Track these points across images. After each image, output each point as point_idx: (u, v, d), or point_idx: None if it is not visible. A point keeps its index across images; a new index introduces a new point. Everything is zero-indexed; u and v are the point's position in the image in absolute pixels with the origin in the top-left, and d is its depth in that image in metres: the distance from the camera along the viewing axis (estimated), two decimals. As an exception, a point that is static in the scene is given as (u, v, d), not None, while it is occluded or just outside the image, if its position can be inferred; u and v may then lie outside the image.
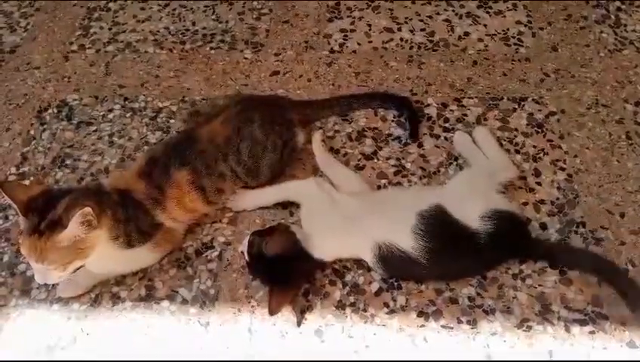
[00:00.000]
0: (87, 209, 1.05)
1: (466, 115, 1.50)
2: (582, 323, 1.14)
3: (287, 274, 1.15)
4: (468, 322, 1.16)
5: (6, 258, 1.33)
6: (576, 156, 1.41)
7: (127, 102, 1.61)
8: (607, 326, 1.14)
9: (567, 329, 1.14)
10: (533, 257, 1.22)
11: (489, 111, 1.51)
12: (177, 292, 1.24)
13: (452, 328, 1.15)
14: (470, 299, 1.19)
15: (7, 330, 1.22)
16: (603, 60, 1.62)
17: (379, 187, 1.38)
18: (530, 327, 1.14)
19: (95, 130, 1.55)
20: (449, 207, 1.18)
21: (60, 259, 1.08)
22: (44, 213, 1.08)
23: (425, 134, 1.47)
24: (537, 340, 1.13)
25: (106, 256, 1.18)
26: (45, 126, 1.57)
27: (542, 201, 1.33)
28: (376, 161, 1.43)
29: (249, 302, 1.21)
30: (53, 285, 1.27)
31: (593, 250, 1.24)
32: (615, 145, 1.43)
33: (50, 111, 1.61)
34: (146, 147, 1.49)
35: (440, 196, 1.21)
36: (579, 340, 1.12)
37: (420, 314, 1.17)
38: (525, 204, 1.32)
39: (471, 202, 1.19)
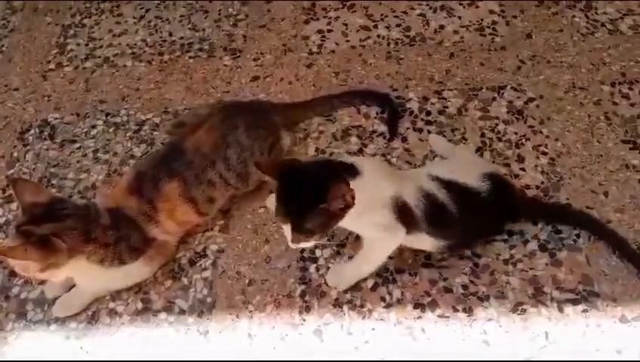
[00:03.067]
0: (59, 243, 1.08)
1: (446, 107, 1.52)
2: (574, 302, 1.17)
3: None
4: (463, 310, 1.18)
5: (-1, 282, 1.32)
6: (557, 140, 1.43)
7: (109, 117, 1.60)
8: (599, 303, 1.16)
9: (561, 310, 1.16)
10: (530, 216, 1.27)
11: (469, 102, 1.53)
12: (174, 303, 1.25)
13: (448, 317, 1.17)
14: (464, 287, 1.21)
15: (6, 354, 1.21)
16: (577, 44, 1.64)
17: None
18: (524, 310, 1.16)
19: (79, 148, 1.55)
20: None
21: (27, 266, 1.09)
22: (38, 221, 1.09)
23: (408, 128, 1.48)
24: (532, 322, 1.15)
25: (97, 275, 1.19)
26: (29, 147, 1.57)
27: (527, 186, 1.35)
28: (362, 157, 1.44)
29: (247, 308, 1.22)
30: (48, 306, 1.27)
31: (580, 231, 1.26)
32: (594, 126, 1.46)
33: (32, 131, 1.60)
34: (131, 161, 1.49)
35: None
36: (573, 319, 1.15)
37: (416, 305, 1.19)
38: (511, 190, 1.35)
39: (470, 166, 1.23)
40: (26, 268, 1.09)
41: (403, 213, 1.08)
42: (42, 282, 1.28)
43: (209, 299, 1.24)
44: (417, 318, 1.17)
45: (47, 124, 1.61)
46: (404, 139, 1.46)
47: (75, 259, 1.12)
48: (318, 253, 1.29)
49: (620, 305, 1.16)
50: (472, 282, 1.21)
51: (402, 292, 1.21)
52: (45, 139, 1.58)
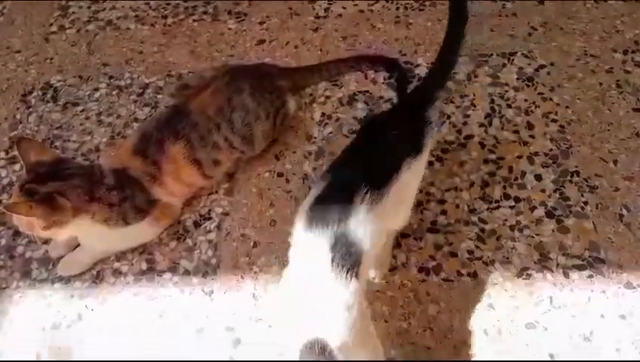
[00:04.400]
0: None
1: (456, 72, 1.49)
2: (580, 268, 1.16)
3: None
4: (468, 274, 1.17)
5: (3, 241, 1.32)
6: (567, 107, 1.41)
7: (112, 80, 1.59)
8: (604, 269, 1.15)
9: (566, 275, 1.15)
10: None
11: (479, 68, 1.50)
12: (179, 263, 1.25)
13: (452, 281, 1.17)
14: (469, 252, 1.20)
15: (11, 311, 1.22)
16: (590, 11, 1.61)
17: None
18: (529, 275, 1.16)
19: (82, 110, 1.53)
20: None
21: (31, 223, 1.09)
22: (43, 180, 1.09)
23: (416, 94, 1.46)
24: (537, 287, 1.14)
25: (102, 235, 1.18)
26: (31, 109, 1.55)
27: (536, 153, 1.33)
28: (368, 123, 1.42)
29: (251, 269, 1.22)
30: (52, 265, 1.27)
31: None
32: (605, 94, 1.43)
33: (34, 93, 1.59)
34: (135, 124, 1.48)
35: None
36: (578, 285, 1.14)
37: (421, 269, 1.19)
38: (519, 157, 1.33)
39: None
40: (30, 226, 1.09)
41: None
42: (46, 241, 1.28)
43: (213, 261, 1.24)
44: (422, 281, 1.17)
45: (49, 86, 1.60)
46: (412, 105, 1.44)
47: (80, 218, 1.12)
48: (323, 216, 1.28)
49: (625, 272, 1.15)
50: (477, 247, 1.21)
51: (407, 256, 1.21)
52: (48, 101, 1.56)
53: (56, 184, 1.10)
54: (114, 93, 1.55)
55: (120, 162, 1.22)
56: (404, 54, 1.55)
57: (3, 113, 1.55)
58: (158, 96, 1.53)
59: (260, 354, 1.11)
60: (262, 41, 1.62)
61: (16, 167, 1.44)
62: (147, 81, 1.56)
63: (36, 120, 1.52)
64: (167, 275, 1.23)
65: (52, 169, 1.12)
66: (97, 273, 1.25)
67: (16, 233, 1.32)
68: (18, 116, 1.54)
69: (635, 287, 1.13)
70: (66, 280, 1.25)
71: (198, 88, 1.33)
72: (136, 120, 1.49)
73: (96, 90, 1.57)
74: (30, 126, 1.51)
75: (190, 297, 1.20)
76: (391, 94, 1.47)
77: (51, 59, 1.66)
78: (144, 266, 1.25)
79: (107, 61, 1.63)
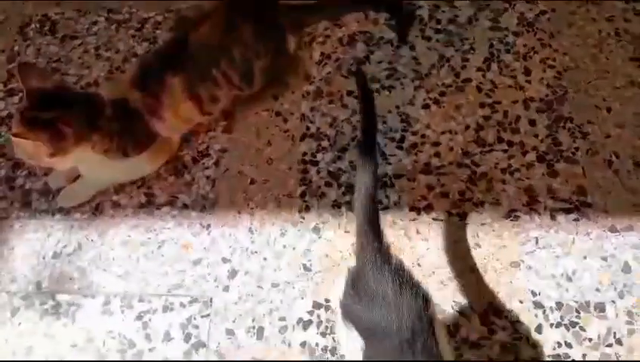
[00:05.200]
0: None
1: (457, 15, 1.49)
2: (567, 211, 1.20)
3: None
4: (457, 214, 1.21)
5: (3, 173, 1.34)
6: (565, 54, 1.41)
7: (110, 15, 1.57)
8: (590, 213, 1.19)
9: (553, 218, 1.19)
10: None
11: (480, 12, 1.49)
12: (177, 197, 1.28)
13: (442, 220, 1.20)
14: (460, 193, 1.23)
15: (12, 240, 1.25)
16: (595, -43, 1.58)
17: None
18: (517, 217, 1.20)
19: (80, 44, 1.52)
20: None
21: (37, 150, 1.09)
22: (43, 107, 1.09)
23: (417, 36, 1.46)
24: (524, 229, 1.18)
25: (102, 166, 1.20)
26: (29, 41, 1.54)
27: (531, 99, 1.35)
28: (368, 65, 1.43)
29: (248, 205, 1.25)
30: (52, 196, 1.29)
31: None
32: (604, 42, 1.43)
33: (32, 26, 1.57)
34: (134, 59, 1.47)
35: None
36: (564, 227, 1.18)
37: (412, 208, 1.22)
38: (515, 102, 1.34)
39: None
40: (36, 154, 1.09)
41: None
42: (46, 173, 1.30)
43: (211, 196, 1.27)
44: (413, 220, 1.21)
45: (47, 19, 1.58)
46: (412, 47, 1.44)
47: (82, 147, 1.13)
48: (319, 156, 1.31)
49: (610, 216, 1.19)
50: (468, 189, 1.24)
51: (399, 196, 1.24)
52: (46, 34, 1.55)
53: (57, 111, 1.10)
54: (112, 27, 1.54)
55: (120, 92, 1.22)
56: (406, -5, 1.53)
57: (0, 45, 1.54)
58: (157, 31, 1.52)
59: (254, 286, 1.15)
60: (262, -22, 1.59)
61: (15, 99, 1.44)
62: (146, 16, 1.55)
63: (34, 52, 1.51)
64: (166, 209, 1.26)
65: (52, 96, 1.12)
66: (97, 205, 1.28)
67: (16, 165, 1.34)
68: (16, 48, 1.53)
69: (618, 231, 1.17)
70: (66, 211, 1.28)
71: (198, 22, 1.32)
72: (135, 55, 1.48)
73: (95, 23, 1.55)
74: (28, 58, 1.50)
75: (188, 230, 1.23)
76: (391, 35, 1.46)
77: (48, -9, 1.63)
78: (143, 199, 1.28)
79: (105, -6, 1.60)
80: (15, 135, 1.05)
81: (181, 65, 1.23)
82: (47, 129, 1.07)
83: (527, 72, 1.39)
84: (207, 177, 1.30)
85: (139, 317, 1.13)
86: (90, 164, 1.20)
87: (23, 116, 1.08)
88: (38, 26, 1.57)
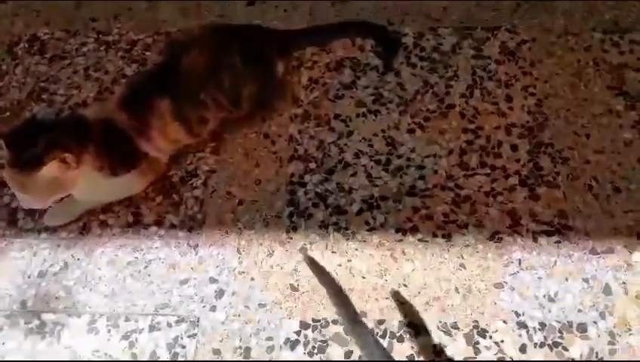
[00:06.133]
0: (68, 156, 1.08)
1: (441, 44, 1.53)
2: (549, 234, 1.23)
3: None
4: (443, 236, 1.23)
5: (-11, 191, 1.33)
6: (546, 82, 1.46)
7: (100, 36, 1.59)
8: (571, 236, 1.22)
9: (535, 240, 1.22)
10: None
11: (463, 40, 1.54)
12: (165, 217, 1.28)
13: (428, 241, 1.22)
14: (444, 215, 1.26)
15: (-4, 259, 1.24)
16: (573, -10, 1.65)
17: (357, 115, 1.42)
18: (500, 239, 1.22)
19: (69, 64, 1.53)
20: None
21: (42, 191, 1.10)
22: (26, 146, 1.08)
23: (402, 63, 1.50)
24: (507, 250, 1.21)
25: (92, 185, 1.20)
26: (17, 60, 1.55)
27: (513, 125, 1.39)
28: (354, 90, 1.46)
29: (236, 225, 1.26)
30: (39, 215, 1.29)
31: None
32: (583, 71, 1.48)
33: (21, 45, 1.58)
34: (122, 80, 1.49)
35: None
36: (546, 249, 1.21)
37: (398, 230, 1.24)
38: (497, 127, 1.38)
39: None
40: (62, 185, 1.10)
41: None
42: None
43: (199, 216, 1.28)
44: (398, 241, 1.23)
45: (36, 38, 1.59)
46: (398, 74, 1.48)
47: (84, 167, 1.13)
48: (307, 178, 1.33)
49: (591, 239, 1.22)
50: (452, 211, 1.26)
51: (385, 218, 1.26)
52: (35, 54, 1.56)
53: (47, 136, 1.10)
54: (102, 48, 1.56)
55: (107, 113, 1.23)
56: (392, 23, 1.58)
57: (-12, 63, 1.54)
58: (147, 53, 1.54)
59: (241, 306, 1.15)
60: (252, 3, 1.63)
61: (2, 117, 1.44)
62: (135, 38, 1.57)
63: (22, 72, 1.52)
64: (153, 228, 1.27)
65: (31, 129, 1.12)
66: (84, 224, 1.28)
67: (2, 183, 1.33)
68: (4, 67, 1.53)
69: (599, 253, 1.20)
70: (53, 230, 1.27)
71: (188, 46, 1.34)
72: (124, 76, 1.50)
73: (84, 44, 1.57)
74: (17, 78, 1.51)
75: (175, 249, 1.24)
76: (377, 62, 1.50)
77: (38, 11, 1.65)
78: (130, 219, 1.28)
79: (95, 16, 1.62)
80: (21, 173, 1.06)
81: (170, 88, 1.25)
82: (46, 160, 1.06)
83: (509, 98, 1.43)
84: (196, 198, 1.31)
85: (125, 337, 1.13)
86: (80, 184, 1.20)
87: (17, 164, 1.07)
88: (27, 45, 1.58)
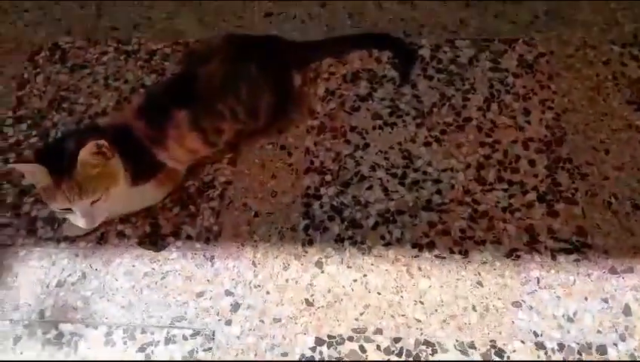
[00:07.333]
0: (101, 141, 1.08)
1: (458, 56, 1.53)
2: (567, 251, 1.21)
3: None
4: (460, 252, 1.22)
5: (9, 199, 1.35)
6: (564, 96, 1.45)
7: (120, 45, 1.60)
8: (590, 254, 1.21)
9: (554, 258, 1.21)
10: None
11: (480, 53, 1.53)
12: (181, 229, 1.29)
13: (444, 258, 1.22)
14: (462, 231, 1.25)
15: (16, 268, 1.26)
16: (591, 3, 1.64)
17: (373, 128, 1.42)
18: (518, 256, 1.21)
19: (90, 73, 1.55)
20: None
21: (97, 185, 1.10)
22: (59, 161, 1.09)
23: (419, 75, 1.49)
24: (525, 268, 1.20)
25: (114, 194, 1.21)
26: (39, 69, 1.57)
27: (531, 139, 1.38)
28: (371, 102, 1.46)
29: (252, 237, 1.26)
30: (58, 224, 1.30)
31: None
32: (601, 85, 1.47)
33: (42, 54, 1.60)
34: (142, 90, 1.50)
35: None
36: (564, 268, 1.20)
37: (415, 245, 1.24)
38: (515, 142, 1.37)
39: None
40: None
41: None
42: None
43: (215, 228, 1.28)
44: (414, 257, 1.22)
45: (57, 47, 1.61)
46: (414, 86, 1.48)
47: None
48: (322, 190, 1.33)
49: (610, 258, 1.21)
50: (469, 227, 1.26)
51: (402, 232, 1.26)
52: (56, 62, 1.58)
53: (72, 140, 1.11)
54: (121, 57, 1.57)
55: (126, 121, 1.24)
56: (409, 35, 1.57)
57: (11, 71, 1.56)
58: (165, 63, 1.55)
59: (257, 320, 1.16)
60: (269, 14, 1.64)
61: (23, 126, 1.46)
62: (155, 48, 1.58)
63: (44, 80, 1.54)
64: (170, 239, 1.27)
65: (54, 146, 1.15)
66: (102, 234, 1.29)
67: (22, 191, 1.35)
68: (26, 75, 1.55)
69: (618, 273, 1.19)
70: (71, 239, 1.29)
71: (206, 57, 1.35)
72: (143, 85, 1.51)
73: (104, 53, 1.58)
74: (38, 86, 1.53)
75: (192, 261, 1.24)
76: (393, 73, 1.50)
77: (60, 20, 1.67)
78: (148, 229, 1.29)
79: (115, 25, 1.64)
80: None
81: (188, 98, 1.26)
82: (80, 151, 1.07)
83: (527, 112, 1.42)
84: (212, 209, 1.31)
85: (141, 349, 1.13)
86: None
87: (57, 174, 1.07)
88: (48, 54, 1.60)
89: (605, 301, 1.15)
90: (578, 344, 1.10)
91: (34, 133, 1.45)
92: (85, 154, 1.07)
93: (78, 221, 1.12)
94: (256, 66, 1.32)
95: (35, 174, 1.09)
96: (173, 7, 1.67)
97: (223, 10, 1.65)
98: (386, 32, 1.57)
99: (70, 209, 1.10)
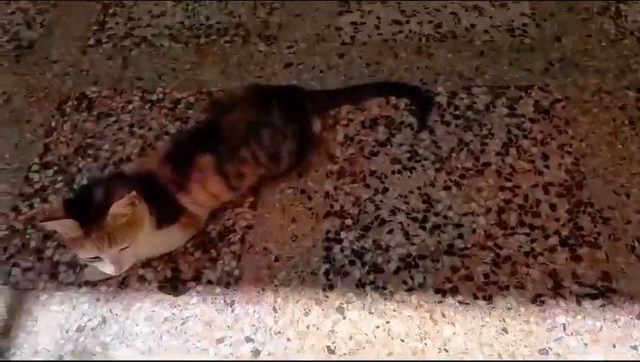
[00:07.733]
0: (133, 192, 1.09)
1: (475, 102, 1.55)
2: (593, 297, 1.19)
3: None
4: (483, 298, 1.21)
5: (33, 243, 1.37)
6: (582, 140, 1.46)
7: (145, 94, 1.65)
8: (616, 299, 1.19)
9: (579, 303, 1.19)
10: None
11: (497, 99, 1.56)
12: (202, 273, 1.29)
13: (468, 304, 1.20)
14: (485, 276, 1.24)
15: (36, 312, 1.26)
16: (605, 50, 1.67)
17: (392, 172, 1.43)
18: (543, 302, 1.19)
19: (115, 121, 1.60)
20: None
21: (126, 233, 1.10)
22: (87, 211, 1.10)
23: (436, 121, 1.52)
24: (550, 314, 1.18)
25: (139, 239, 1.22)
26: (66, 117, 1.62)
27: (550, 183, 1.38)
28: (389, 147, 1.48)
29: (272, 282, 1.26)
30: (80, 268, 1.31)
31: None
32: (619, 129, 1.48)
33: (70, 103, 1.65)
34: (166, 137, 1.54)
35: None
36: (590, 313, 1.17)
37: (437, 290, 1.22)
38: (535, 186, 1.38)
39: None
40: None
41: None
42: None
43: (236, 272, 1.28)
44: (438, 303, 1.21)
45: (84, 97, 1.66)
46: (432, 132, 1.50)
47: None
48: (343, 234, 1.33)
49: (637, 303, 1.18)
50: (492, 272, 1.24)
51: (424, 277, 1.25)
52: (82, 111, 1.63)
53: (99, 188, 1.13)
54: (146, 106, 1.62)
55: (150, 169, 1.26)
56: (425, 83, 1.61)
57: (39, 120, 1.62)
58: (189, 111, 1.59)
59: (277, 365, 1.14)
60: (289, 64, 1.69)
61: (49, 172, 1.49)
62: (179, 97, 1.63)
63: (70, 128, 1.59)
64: (191, 284, 1.27)
65: (80, 196, 1.17)
66: (123, 279, 1.30)
67: (46, 236, 1.37)
68: (53, 124, 1.60)
69: (645, 318, 1.16)
70: (92, 284, 1.29)
71: (229, 105, 1.39)
72: (167, 133, 1.55)
73: (130, 102, 1.63)
74: (64, 134, 1.57)
75: (212, 306, 1.24)
76: (411, 120, 1.53)
77: (87, 71, 1.73)
78: (169, 274, 1.29)
79: (141, 75, 1.70)
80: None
81: (212, 144, 1.29)
82: (111, 203, 1.08)
83: (545, 157, 1.43)
84: (233, 253, 1.32)
85: (161, 397, 1.12)
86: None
87: (87, 224, 1.08)
88: (75, 103, 1.65)
89: (634, 348, 1.12)
90: (610, 393, 1.07)
91: (59, 178, 1.48)
92: (118, 207, 1.08)
93: (107, 268, 1.12)
94: (277, 114, 1.36)
95: (65, 227, 1.10)
96: (196, 58, 1.73)
97: (244, 62, 1.71)
98: (402, 81, 1.60)
99: (99, 257, 1.11)
